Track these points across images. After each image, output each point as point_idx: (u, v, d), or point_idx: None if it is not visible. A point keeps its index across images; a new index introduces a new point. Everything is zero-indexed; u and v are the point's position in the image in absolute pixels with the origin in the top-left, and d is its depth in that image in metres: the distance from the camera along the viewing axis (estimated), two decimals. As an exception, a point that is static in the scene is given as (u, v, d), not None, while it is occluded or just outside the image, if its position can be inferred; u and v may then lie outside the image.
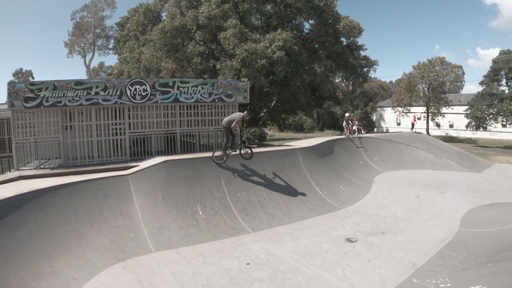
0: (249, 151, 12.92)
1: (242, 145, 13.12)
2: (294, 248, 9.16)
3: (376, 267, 8.05)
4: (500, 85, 47.28)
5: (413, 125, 29.00)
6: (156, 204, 10.25)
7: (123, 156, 14.06)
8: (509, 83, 47.25)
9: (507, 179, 19.09)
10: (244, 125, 14.29)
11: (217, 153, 12.71)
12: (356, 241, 9.63)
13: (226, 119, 12.67)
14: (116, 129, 14.08)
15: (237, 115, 12.54)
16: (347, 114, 23.53)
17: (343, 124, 23.13)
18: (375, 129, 66.50)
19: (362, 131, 24.79)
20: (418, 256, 8.55)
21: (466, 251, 8.66)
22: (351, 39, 39.82)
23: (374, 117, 74.32)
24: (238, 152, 12.93)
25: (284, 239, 9.79)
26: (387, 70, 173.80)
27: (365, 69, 41.00)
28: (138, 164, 12.40)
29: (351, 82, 55.01)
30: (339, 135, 32.23)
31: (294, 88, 35.42)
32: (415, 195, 14.42)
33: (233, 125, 12.20)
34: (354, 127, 22.63)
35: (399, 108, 57.03)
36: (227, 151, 12.59)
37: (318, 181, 14.17)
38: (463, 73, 79.11)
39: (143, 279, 7.19)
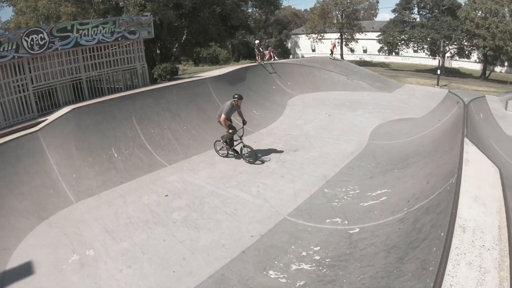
0: (249, 149, 10.40)
1: (242, 143, 10.47)
2: (210, 174, 9.41)
3: (289, 182, 8.54)
4: (412, 13, 50.11)
5: (332, 51, 29.61)
6: (71, 156, 9.72)
7: (30, 113, 12.86)
8: (420, 12, 50.55)
9: (415, 98, 20.69)
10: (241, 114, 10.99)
11: (218, 146, 11.16)
12: (269, 160, 10.05)
13: (218, 112, 10.61)
14: (18, 86, 12.70)
15: (224, 105, 10.24)
16: (257, 42, 23.42)
17: (255, 52, 23.12)
18: (291, 56, 67.32)
19: (275, 57, 24.98)
20: (329, 168, 9.24)
21: (374, 161, 9.46)
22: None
23: (289, 45, 75.06)
24: (238, 152, 10.79)
25: (200, 167, 9.99)
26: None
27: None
28: (46, 118, 11.53)
29: (263, 11, 54.43)
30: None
31: (204, 19, 34.31)
32: (327, 114, 15.20)
33: (221, 118, 10.02)
34: (267, 53, 22.78)
35: (313, 35, 58.08)
36: (226, 149, 10.92)
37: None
38: (377, 1, 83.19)
39: (68, 231, 7.02)
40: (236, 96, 10.11)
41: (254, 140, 11.99)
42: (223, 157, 10.76)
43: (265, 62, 21.49)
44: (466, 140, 6.66)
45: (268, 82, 19.55)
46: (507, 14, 43.61)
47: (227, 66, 29.33)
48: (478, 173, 5.26)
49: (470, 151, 6.17)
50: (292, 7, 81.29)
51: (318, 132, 12.63)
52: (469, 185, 4.83)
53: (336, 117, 14.75)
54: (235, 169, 9.55)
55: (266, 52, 23.07)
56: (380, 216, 6.23)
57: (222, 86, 15.44)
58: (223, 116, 9.92)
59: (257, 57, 22.14)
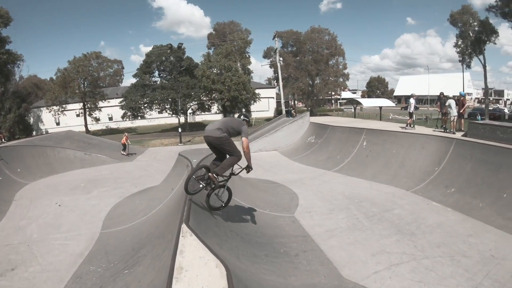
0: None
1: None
2: None
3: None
4: (152, 76, 51.79)
5: (124, 145, 25.19)
6: None
7: None
8: (161, 74, 52.82)
9: (157, 161, 20.32)
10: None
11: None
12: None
13: (221, 124, 7.53)
14: None
15: (242, 123, 7.76)
16: None
17: None
18: (34, 133, 60.00)
19: (3, 139, 21.40)
20: (56, 286, 7.22)
21: (106, 260, 8.00)
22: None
23: (31, 120, 67.09)
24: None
25: None
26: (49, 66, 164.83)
27: (9, 66, 36.20)
28: None
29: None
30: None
31: None
32: (58, 204, 13.08)
33: (246, 144, 7.52)
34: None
35: (54, 107, 53.54)
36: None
37: None
38: (123, 68, 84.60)
39: None
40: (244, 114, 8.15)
41: None
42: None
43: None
44: (183, 228, 5.81)
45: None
46: (240, 68, 49.62)
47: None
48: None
49: (187, 246, 5.31)
50: (34, 75, 74.17)
51: (43, 233, 10.28)
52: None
53: (67, 205, 12.77)
54: None
55: None
56: None
57: None
58: (246, 139, 7.56)
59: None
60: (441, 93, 19.03)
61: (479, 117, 19.24)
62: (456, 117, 17.03)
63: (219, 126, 7.36)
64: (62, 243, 9.36)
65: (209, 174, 7.36)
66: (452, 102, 17.18)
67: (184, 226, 5.86)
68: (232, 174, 7.88)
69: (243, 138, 7.51)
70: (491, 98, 69.48)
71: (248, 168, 7.57)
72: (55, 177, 17.98)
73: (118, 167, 18.95)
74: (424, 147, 15.65)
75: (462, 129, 17.18)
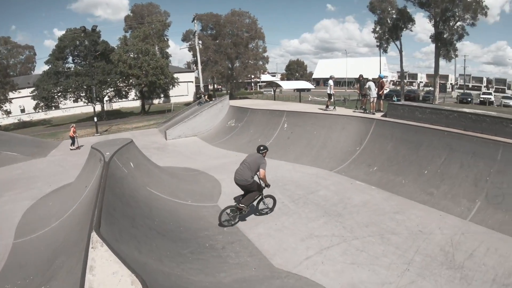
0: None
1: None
2: None
3: None
4: (66, 62, 47.48)
5: (72, 138, 22.65)
6: None
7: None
8: (75, 60, 48.51)
9: (72, 155, 18.84)
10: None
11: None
12: None
13: (248, 169, 9.06)
14: None
15: (261, 158, 9.44)
16: None
17: None
18: None
19: None
20: None
21: (21, 274, 6.91)
22: None
23: None
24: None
25: None
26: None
27: None
28: None
29: None
30: None
31: None
32: None
33: (262, 174, 9.00)
34: None
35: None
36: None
37: None
38: (35, 54, 76.46)
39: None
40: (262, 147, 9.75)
41: None
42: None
43: None
44: (93, 238, 4.99)
45: None
46: (158, 52, 47.61)
47: None
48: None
49: (99, 260, 4.56)
50: None
51: None
52: None
53: None
54: None
55: None
56: None
57: None
58: (264, 171, 8.97)
59: None
60: (360, 75, 19.36)
61: (395, 98, 20.15)
62: (375, 98, 17.41)
63: (248, 173, 8.90)
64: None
65: (239, 205, 9.02)
66: (371, 84, 17.52)
67: (94, 234, 5.11)
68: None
69: (261, 170, 8.94)
70: (405, 81, 73.77)
71: (266, 187, 9.26)
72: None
73: (30, 165, 17.10)
74: (345, 128, 15.90)
75: (381, 110, 17.66)
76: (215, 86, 67.89)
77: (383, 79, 18.54)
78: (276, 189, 11.46)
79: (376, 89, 17.60)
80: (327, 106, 19.85)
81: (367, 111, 17.35)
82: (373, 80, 18.30)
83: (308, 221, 9.22)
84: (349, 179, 12.68)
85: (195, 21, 51.27)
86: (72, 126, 22.08)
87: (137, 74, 44.12)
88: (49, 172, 15.37)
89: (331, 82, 19.88)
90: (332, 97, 20.04)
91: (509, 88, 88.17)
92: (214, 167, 15.27)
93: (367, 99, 17.93)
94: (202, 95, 32.80)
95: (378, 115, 15.96)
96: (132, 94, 51.82)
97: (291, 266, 7.03)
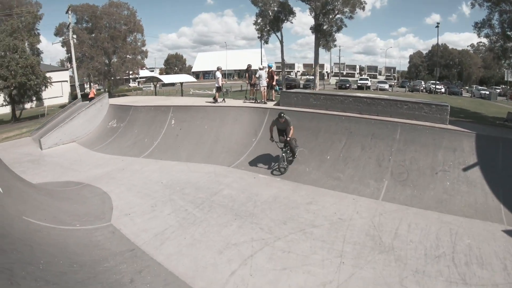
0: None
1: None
2: None
3: None
4: None
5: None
6: None
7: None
8: None
9: None
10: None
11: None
12: None
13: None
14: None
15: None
16: None
17: None
18: None
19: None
20: None
21: None
22: None
23: None
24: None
25: None
26: None
27: None
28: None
29: None
30: None
31: None
32: None
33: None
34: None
35: None
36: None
37: None
38: None
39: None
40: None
41: None
42: None
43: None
44: None
45: None
46: (28, 48, 41.96)
47: None
48: None
49: None
50: None
51: None
52: None
53: None
54: None
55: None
56: None
57: None
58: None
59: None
60: (249, 65, 18.95)
61: (277, 87, 20.31)
62: (265, 87, 17.12)
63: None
64: None
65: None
66: (262, 73, 17.17)
67: None
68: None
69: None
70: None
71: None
72: None
73: None
74: (237, 120, 15.27)
75: (273, 99, 17.46)
76: (91, 84, 62.18)
77: (271, 68, 18.37)
78: (174, 195, 10.38)
79: (267, 79, 17.26)
80: (215, 99, 18.85)
81: (258, 101, 16.89)
82: (262, 69, 17.93)
83: (220, 228, 8.25)
84: (251, 173, 12.09)
85: (70, 12, 46.09)
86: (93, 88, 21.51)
87: (4, 75, 38.25)
88: None
89: (218, 74, 19.04)
90: (221, 89, 19.20)
91: (380, 74, 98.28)
92: (99, 177, 13.33)
93: (256, 89, 17.55)
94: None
95: (270, 104, 15.56)
96: (0, 99, 45.16)
97: (218, 287, 6.04)
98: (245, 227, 8.18)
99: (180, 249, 7.47)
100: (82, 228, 8.53)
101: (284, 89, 35.60)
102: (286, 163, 11.77)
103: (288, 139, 11.34)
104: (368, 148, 10.65)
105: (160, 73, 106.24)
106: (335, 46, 50.40)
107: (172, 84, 64.26)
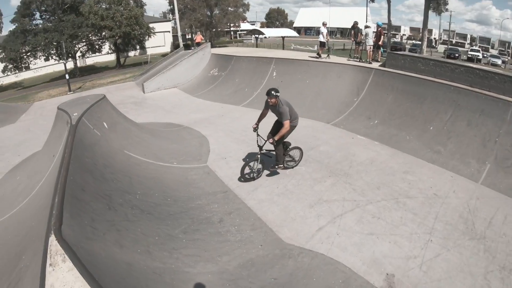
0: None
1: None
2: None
3: None
4: (33, 19, 43.94)
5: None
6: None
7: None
8: (43, 16, 44.73)
9: (43, 118, 17.30)
10: None
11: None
12: None
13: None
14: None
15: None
16: None
17: None
18: None
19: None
20: None
21: None
22: None
23: None
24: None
25: None
26: None
27: None
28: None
29: None
30: None
31: None
32: None
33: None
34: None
35: None
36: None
37: None
38: (1, 14, 70.40)
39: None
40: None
41: None
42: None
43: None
44: (52, 248, 3.52)
45: None
46: (131, 1, 44.62)
47: None
48: None
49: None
50: None
51: None
52: None
53: None
54: None
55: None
56: None
57: None
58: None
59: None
60: (355, 22, 17.94)
61: (382, 49, 18.84)
62: (371, 47, 16.08)
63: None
64: None
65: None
66: (369, 31, 16.15)
67: (53, 241, 3.65)
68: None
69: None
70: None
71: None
72: None
73: (-1, 134, 15.66)
74: (340, 77, 14.59)
75: (379, 60, 16.31)
76: (192, 35, 64.00)
77: (381, 27, 16.94)
78: (272, 146, 10.35)
79: (374, 38, 16.19)
80: (318, 54, 18.22)
81: (362, 60, 16.05)
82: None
83: (314, 183, 8.10)
84: (349, 132, 11.55)
85: (172, -35, 47.64)
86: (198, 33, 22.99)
87: (110, 26, 41.20)
88: (18, 140, 13.86)
89: (323, 29, 18.32)
90: (326, 45, 18.53)
91: (492, 48, 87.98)
92: (198, 121, 13.89)
93: (362, 47, 16.66)
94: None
95: (375, 65, 14.60)
96: (106, 47, 48.98)
97: (303, 241, 5.97)
98: (338, 185, 7.94)
99: (272, 197, 7.53)
100: (178, 166, 8.99)
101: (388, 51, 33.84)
102: (255, 173, 8.44)
103: (274, 140, 7.76)
104: (474, 125, 9.50)
105: (261, 27, 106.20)
106: (446, 10, 46.22)
107: (267, 37, 63.91)
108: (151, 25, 46.99)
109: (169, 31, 68.56)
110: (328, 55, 18.22)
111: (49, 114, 17.76)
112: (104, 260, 4.03)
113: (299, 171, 8.73)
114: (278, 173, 8.67)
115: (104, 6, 41.73)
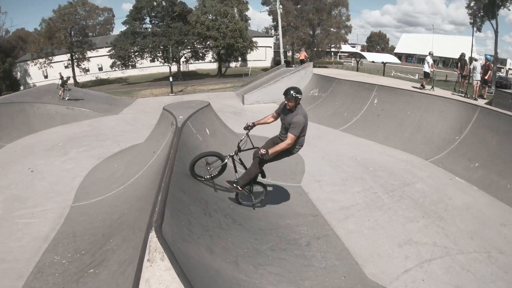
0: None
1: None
2: None
3: None
4: (143, 23, 49.42)
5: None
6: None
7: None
8: (152, 21, 50.13)
9: (144, 113, 18.62)
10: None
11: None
12: None
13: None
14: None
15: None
16: None
17: None
18: (21, 87, 55.74)
19: None
20: (14, 285, 5.46)
21: (73, 246, 6.32)
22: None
23: (18, 74, 62.65)
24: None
25: None
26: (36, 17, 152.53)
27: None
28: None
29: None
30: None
31: None
32: (30, 169, 11.10)
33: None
34: None
35: (40, 60, 50.01)
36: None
37: None
38: (113, 16, 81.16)
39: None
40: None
41: None
42: None
43: None
44: (152, 244, 3.79)
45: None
46: (236, 14, 46.95)
47: None
48: None
49: (155, 285, 3.30)
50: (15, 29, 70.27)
51: (9, 208, 8.27)
52: None
53: (40, 171, 10.86)
54: None
55: None
56: None
57: None
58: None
59: None
60: (463, 54, 17.14)
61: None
62: (479, 82, 15.06)
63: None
64: (27, 221, 7.61)
65: None
66: (477, 65, 15.23)
67: (153, 237, 3.91)
68: None
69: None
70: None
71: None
72: (33, 136, 15.80)
73: (100, 122, 17.28)
74: (443, 111, 13.91)
75: (485, 97, 15.24)
76: (293, 53, 64.64)
77: (490, 61, 15.69)
78: (366, 175, 10.26)
79: (481, 72, 15.20)
80: (422, 85, 17.54)
81: (468, 96, 15.17)
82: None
83: (405, 221, 7.86)
84: (447, 173, 10.95)
85: (277, -16, 49.10)
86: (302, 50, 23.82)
87: (214, 36, 43.71)
88: (119, 130, 15.20)
89: (429, 59, 17.75)
90: (430, 75, 17.83)
91: None
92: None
93: (468, 82, 15.79)
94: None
95: (481, 102, 13.71)
96: (209, 56, 51.77)
97: (387, 280, 5.85)
98: (431, 228, 7.62)
99: (362, 229, 7.46)
100: (272, 182, 9.13)
101: (493, 88, 31.64)
102: (208, 173, 7.08)
103: (266, 153, 6.43)
104: None
105: (362, 50, 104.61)
106: None
107: (373, 62, 62.86)
108: (254, 39, 48.76)
109: (270, 47, 70.51)
110: (432, 87, 17.47)
111: (150, 111, 19.21)
112: (196, 264, 4.29)
113: (393, 207, 8.54)
114: (371, 205, 8.55)
115: (210, 17, 44.27)
